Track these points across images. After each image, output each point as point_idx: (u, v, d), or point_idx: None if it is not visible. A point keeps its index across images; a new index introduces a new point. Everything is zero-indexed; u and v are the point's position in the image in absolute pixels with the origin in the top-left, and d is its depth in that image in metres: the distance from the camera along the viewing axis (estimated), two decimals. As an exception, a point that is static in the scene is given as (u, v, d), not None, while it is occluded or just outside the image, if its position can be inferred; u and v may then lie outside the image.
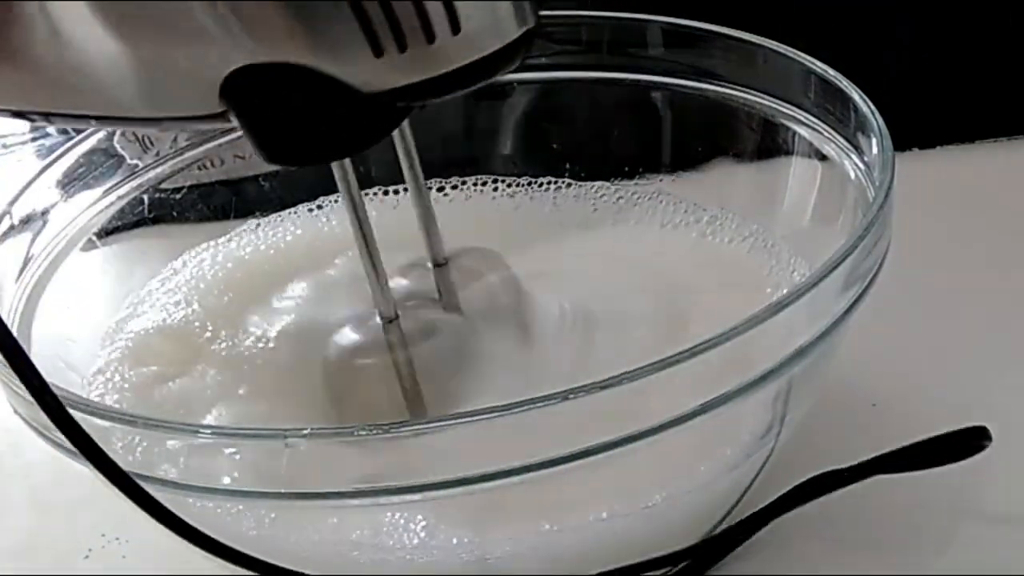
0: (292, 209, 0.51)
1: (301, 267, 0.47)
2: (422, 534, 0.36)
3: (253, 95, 0.32)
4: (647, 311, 0.44)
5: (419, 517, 0.36)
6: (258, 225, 0.51)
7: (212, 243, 0.50)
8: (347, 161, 0.37)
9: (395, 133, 0.41)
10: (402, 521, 0.37)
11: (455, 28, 0.32)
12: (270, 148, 0.34)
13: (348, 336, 0.41)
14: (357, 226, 0.38)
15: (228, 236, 0.50)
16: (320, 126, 0.34)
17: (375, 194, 0.51)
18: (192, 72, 0.32)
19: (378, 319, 0.40)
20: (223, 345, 0.44)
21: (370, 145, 0.35)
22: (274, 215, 0.51)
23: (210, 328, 0.44)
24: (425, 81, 0.32)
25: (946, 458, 0.40)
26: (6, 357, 0.32)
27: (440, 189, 0.52)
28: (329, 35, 0.31)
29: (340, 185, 0.37)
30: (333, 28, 0.31)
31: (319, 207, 0.51)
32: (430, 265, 0.44)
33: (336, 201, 0.51)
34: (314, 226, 0.51)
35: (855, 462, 0.40)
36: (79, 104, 0.34)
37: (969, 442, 0.40)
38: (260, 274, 0.47)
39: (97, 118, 0.35)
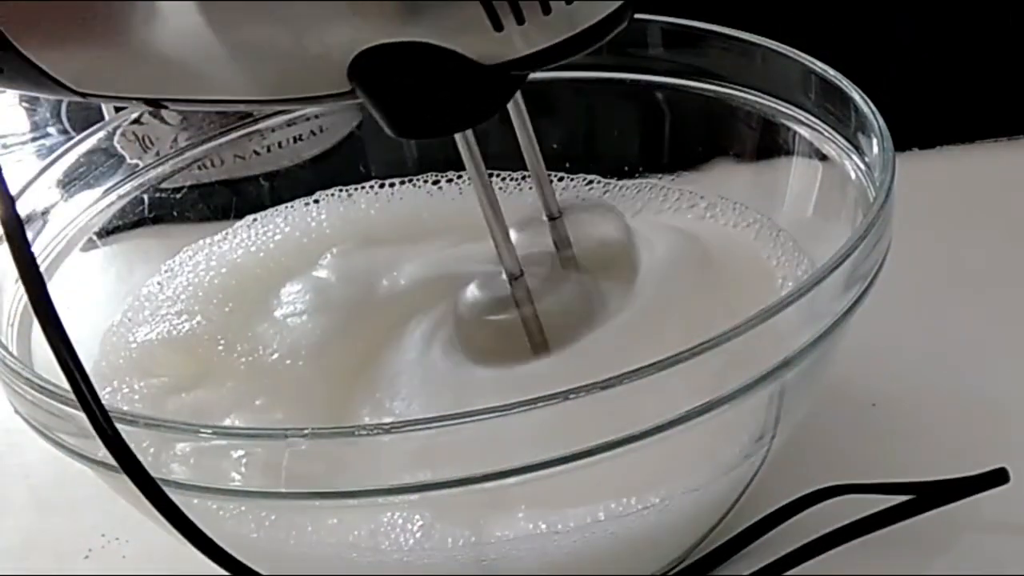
0: (289, 204, 0.51)
1: (291, 269, 0.47)
2: (418, 535, 0.36)
3: (380, 73, 0.34)
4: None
5: (416, 517, 0.36)
6: (255, 220, 0.51)
7: (207, 241, 0.50)
8: (469, 133, 0.38)
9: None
10: (400, 521, 0.37)
11: None
12: (397, 123, 0.35)
13: (475, 293, 0.42)
14: (481, 189, 0.39)
15: (223, 235, 0.50)
16: (444, 99, 0.35)
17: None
18: (322, 55, 0.33)
19: (504, 276, 0.40)
20: (234, 359, 0.44)
21: (492, 115, 0.37)
22: (270, 209, 0.51)
23: (222, 342, 0.44)
24: (540, 51, 0.34)
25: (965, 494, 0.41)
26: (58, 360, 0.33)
27: (435, 183, 0.52)
28: (452, 13, 0.32)
29: (462, 148, 0.38)
30: (456, 6, 0.32)
31: (315, 201, 0.51)
32: (545, 218, 0.44)
33: (332, 194, 0.51)
34: (304, 221, 0.50)
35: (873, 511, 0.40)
36: (212, 91, 0.36)
37: (987, 481, 0.41)
38: (254, 278, 0.47)
39: (224, 101, 0.37)
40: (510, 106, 0.42)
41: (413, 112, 0.35)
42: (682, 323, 0.41)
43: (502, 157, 0.49)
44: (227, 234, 0.50)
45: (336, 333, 0.43)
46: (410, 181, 0.52)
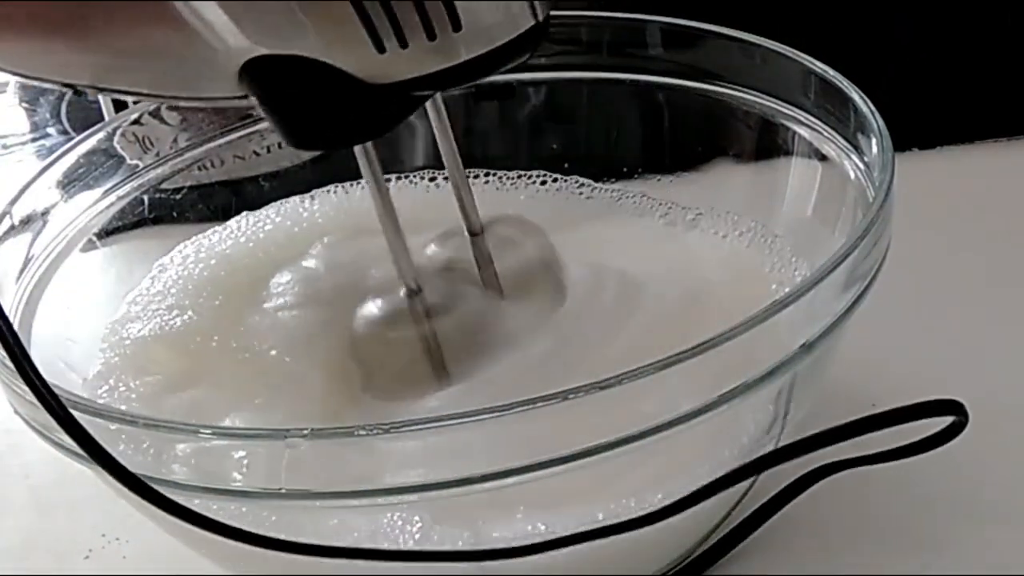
0: (283, 199, 0.51)
1: (279, 259, 0.47)
2: (417, 536, 0.36)
3: (269, 84, 0.34)
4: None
5: (415, 519, 0.36)
6: (246, 215, 0.50)
7: (198, 236, 0.50)
8: (369, 144, 0.38)
9: (430, 108, 0.42)
10: (399, 523, 0.36)
11: (456, 25, 0.33)
12: (289, 133, 0.36)
13: (373, 308, 0.41)
14: (379, 201, 0.39)
15: (213, 230, 0.50)
16: (334, 114, 0.35)
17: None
18: (211, 61, 0.34)
19: (402, 292, 0.40)
20: (229, 355, 0.44)
21: (387, 131, 0.37)
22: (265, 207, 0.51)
23: (215, 338, 0.44)
24: (433, 73, 0.34)
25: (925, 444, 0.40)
26: (10, 356, 0.33)
27: (432, 179, 0.52)
28: (333, 31, 0.33)
29: (360, 161, 0.38)
30: (336, 24, 0.32)
31: (311, 197, 0.51)
32: (466, 235, 0.44)
33: (328, 190, 0.51)
34: (296, 213, 0.50)
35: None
36: (130, 82, 0.37)
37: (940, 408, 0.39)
38: (242, 269, 0.47)
39: (145, 95, 0.39)
40: (432, 115, 0.42)
41: (303, 124, 0.35)
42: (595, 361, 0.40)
43: (498, 159, 0.49)
44: (217, 229, 0.50)
45: (327, 325, 0.43)
46: (406, 177, 0.52)
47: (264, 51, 0.33)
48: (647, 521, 0.35)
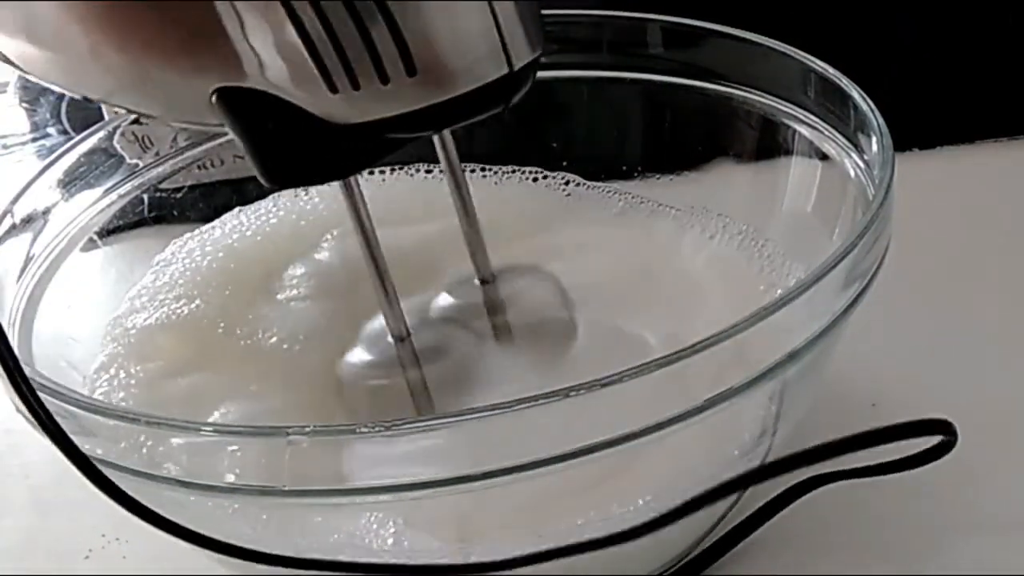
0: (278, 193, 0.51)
1: (290, 252, 0.47)
2: (398, 541, 0.36)
3: (236, 114, 0.33)
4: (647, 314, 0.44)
5: (390, 523, 0.36)
6: (240, 210, 0.50)
7: (195, 232, 0.50)
8: (353, 183, 0.37)
9: (438, 147, 0.41)
10: (375, 526, 0.36)
11: (410, 70, 0.32)
12: (261, 166, 0.35)
13: (361, 355, 0.41)
14: (367, 249, 0.38)
15: (211, 225, 0.50)
16: (300, 150, 0.34)
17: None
18: (182, 86, 0.33)
19: (390, 338, 0.40)
20: (233, 341, 0.44)
21: (358, 171, 0.36)
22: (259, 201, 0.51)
23: (222, 325, 0.44)
24: (398, 117, 0.33)
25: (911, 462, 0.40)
26: None
27: (428, 172, 0.52)
28: (287, 69, 0.32)
29: (347, 203, 0.38)
30: (290, 62, 0.32)
31: (305, 191, 0.51)
32: (477, 282, 0.43)
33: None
34: (296, 204, 0.50)
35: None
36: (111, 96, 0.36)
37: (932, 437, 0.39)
38: (253, 262, 0.47)
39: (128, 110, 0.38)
40: (442, 160, 0.41)
41: (272, 157, 0.35)
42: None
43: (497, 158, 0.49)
44: (215, 224, 0.50)
45: (337, 316, 0.43)
46: (403, 168, 0.52)
47: (226, 83, 0.33)
48: (633, 535, 0.34)
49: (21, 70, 0.37)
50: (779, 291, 0.45)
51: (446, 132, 0.40)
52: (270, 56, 0.32)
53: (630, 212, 0.51)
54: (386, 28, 0.32)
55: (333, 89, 0.32)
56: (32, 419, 0.34)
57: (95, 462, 0.34)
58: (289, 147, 0.34)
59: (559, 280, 0.45)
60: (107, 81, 0.35)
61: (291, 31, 0.31)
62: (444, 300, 0.44)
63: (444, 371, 0.40)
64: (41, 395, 0.35)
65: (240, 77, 0.33)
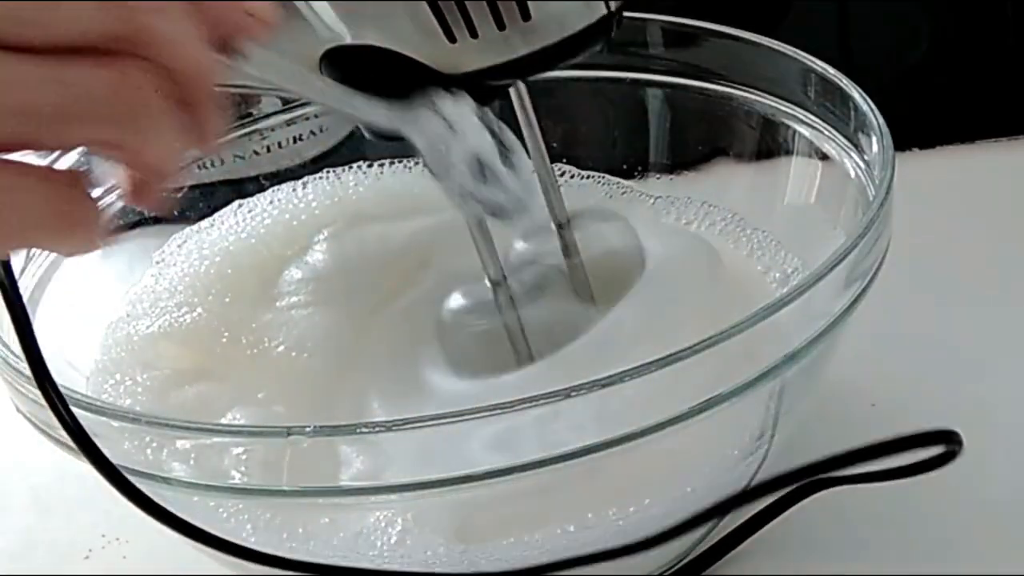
0: (275, 187, 0.51)
1: (284, 254, 0.47)
2: (414, 532, 0.36)
3: (347, 72, 0.35)
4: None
5: (399, 520, 0.36)
6: (240, 205, 0.50)
7: (194, 229, 0.50)
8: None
9: (515, 101, 0.42)
10: (383, 524, 0.37)
11: (525, 16, 0.34)
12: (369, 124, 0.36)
13: (458, 300, 0.42)
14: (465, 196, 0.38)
15: (209, 222, 0.50)
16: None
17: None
18: (294, 49, 0.35)
19: (487, 282, 0.40)
20: (240, 350, 0.44)
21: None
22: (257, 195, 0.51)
23: (226, 334, 0.44)
24: (505, 63, 0.35)
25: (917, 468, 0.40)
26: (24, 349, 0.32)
27: (426, 165, 0.52)
28: (406, 22, 0.34)
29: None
30: (409, 16, 0.34)
31: (303, 185, 0.51)
32: (553, 227, 0.44)
33: (320, 176, 0.51)
34: (291, 202, 0.50)
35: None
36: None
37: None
38: (249, 268, 0.47)
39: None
40: (519, 112, 0.42)
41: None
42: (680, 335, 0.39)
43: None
44: (213, 221, 0.50)
45: (339, 323, 0.43)
46: (399, 161, 0.52)
47: (342, 42, 0.34)
48: (632, 550, 0.34)
49: None
50: (775, 274, 0.45)
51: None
52: (390, 10, 0.34)
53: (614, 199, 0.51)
54: None
55: (451, 39, 0.34)
56: (44, 420, 0.34)
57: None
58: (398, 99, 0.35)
59: (627, 218, 0.46)
60: None
61: None
62: (521, 247, 0.44)
63: (538, 313, 0.41)
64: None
65: (355, 36, 0.34)
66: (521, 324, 0.40)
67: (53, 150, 0.33)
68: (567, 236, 0.44)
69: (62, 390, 0.34)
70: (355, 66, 0.35)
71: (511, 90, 0.41)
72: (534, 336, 0.40)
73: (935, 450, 0.37)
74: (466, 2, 0.34)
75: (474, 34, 0.34)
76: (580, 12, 0.36)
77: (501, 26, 0.34)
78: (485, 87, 0.36)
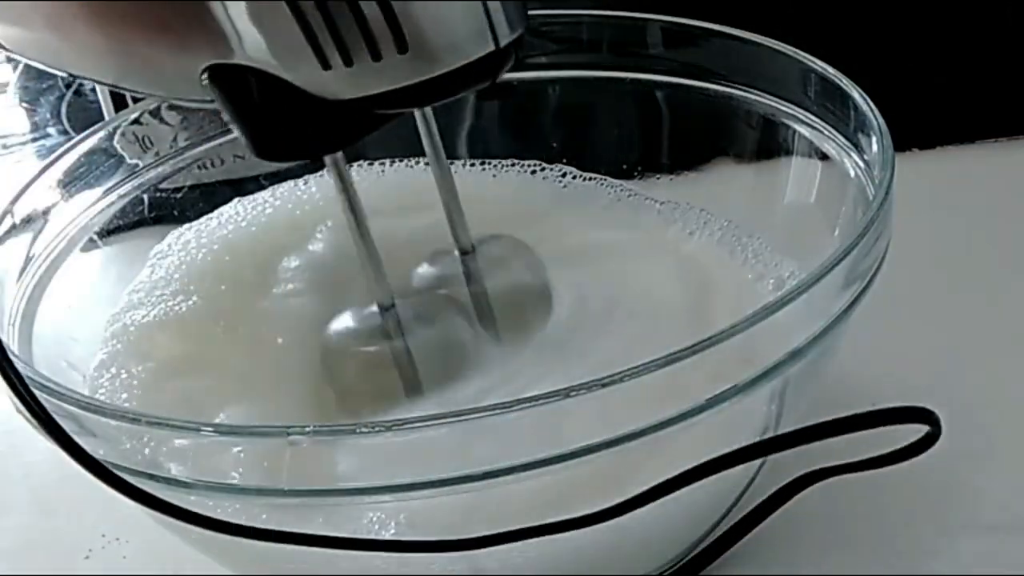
0: (276, 184, 0.51)
1: (285, 242, 0.47)
2: (409, 534, 0.36)
3: (230, 91, 0.34)
4: (647, 309, 0.44)
5: (392, 523, 0.36)
6: (238, 201, 0.50)
7: (193, 224, 0.49)
8: (339, 155, 0.38)
9: (420, 122, 0.42)
10: (376, 526, 0.37)
11: (401, 47, 0.33)
12: (251, 141, 0.36)
13: (346, 323, 0.41)
14: (351, 216, 0.39)
15: (208, 216, 0.50)
16: (292, 126, 0.35)
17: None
18: (173, 63, 0.34)
19: (375, 307, 0.40)
20: (235, 339, 0.44)
21: (346, 145, 0.37)
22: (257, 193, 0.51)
23: (222, 323, 0.44)
24: (387, 93, 0.34)
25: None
26: None
27: (427, 164, 0.52)
28: (279, 45, 0.33)
29: (331, 173, 0.38)
30: (282, 39, 0.33)
31: (304, 182, 0.51)
32: (456, 253, 0.44)
33: (322, 175, 0.51)
34: (294, 194, 0.50)
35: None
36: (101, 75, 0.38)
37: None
38: (248, 253, 0.47)
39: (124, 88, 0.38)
40: (422, 131, 0.42)
41: (264, 133, 0.36)
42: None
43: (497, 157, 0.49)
44: (213, 216, 0.50)
45: (332, 311, 0.43)
46: (402, 160, 0.52)
47: (219, 60, 0.34)
48: (615, 512, 0.34)
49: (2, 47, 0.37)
50: (770, 281, 0.45)
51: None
52: (262, 33, 0.33)
53: (617, 206, 0.51)
54: (378, 5, 0.33)
55: (326, 65, 0.33)
56: (32, 418, 0.34)
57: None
58: (280, 122, 0.35)
59: (533, 249, 0.45)
60: (93, 59, 0.36)
61: (284, 9, 0.32)
62: (425, 270, 0.44)
63: (428, 341, 0.40)
64: (42, 395, 0.35)
65: (230, 54, 0.33)
66: (409, 351, 0.40)
67: None
68: (470, 263, 0.43)
69: (62, 390, 0.34)
70: (236, 88, 0.34)
71: (416, 112, 0.41)
72: (423, 364, 0.40)
73: (918, 433, 0.37)
74: (340, 30, 0.33)
75: (348, 63, 0.33)
76: (465, 47, 0.34)
77: (376, 57, 0.33)
78: (372, 114, 0.35)
